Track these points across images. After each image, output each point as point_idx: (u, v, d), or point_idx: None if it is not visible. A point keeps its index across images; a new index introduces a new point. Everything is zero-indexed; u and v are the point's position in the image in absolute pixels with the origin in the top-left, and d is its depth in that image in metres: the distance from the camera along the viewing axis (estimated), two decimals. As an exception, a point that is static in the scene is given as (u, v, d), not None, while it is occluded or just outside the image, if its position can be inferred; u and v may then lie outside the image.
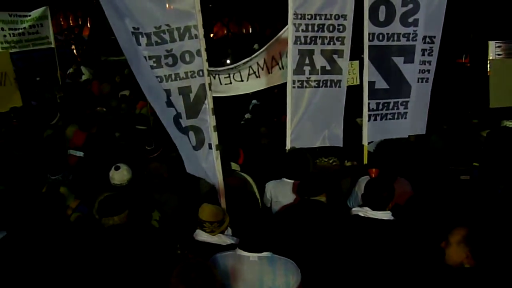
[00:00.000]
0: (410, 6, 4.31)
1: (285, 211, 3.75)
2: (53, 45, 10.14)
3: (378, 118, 4.55)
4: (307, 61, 4.54)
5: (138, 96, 8.72)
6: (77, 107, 7.89)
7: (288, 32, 4.50)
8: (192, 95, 3.51)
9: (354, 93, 4.73)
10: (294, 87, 4.57)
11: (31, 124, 6.72)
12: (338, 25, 4.46)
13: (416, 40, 4.40)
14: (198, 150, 3.63)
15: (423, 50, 4.78)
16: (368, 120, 4.51)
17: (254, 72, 6.09)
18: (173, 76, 3.44)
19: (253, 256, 2.77)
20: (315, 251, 3.22)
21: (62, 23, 24.46)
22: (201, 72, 3.49)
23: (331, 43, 4.51)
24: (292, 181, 4.01)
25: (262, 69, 6.01)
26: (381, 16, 4.35)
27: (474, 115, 6.70)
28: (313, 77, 4.57)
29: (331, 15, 4.45)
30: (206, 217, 3.16)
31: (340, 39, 4.49)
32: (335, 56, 4.53)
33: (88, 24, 24.81)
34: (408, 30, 4.37)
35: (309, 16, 4.45)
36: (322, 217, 3.41)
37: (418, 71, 4.66)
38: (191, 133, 3.57)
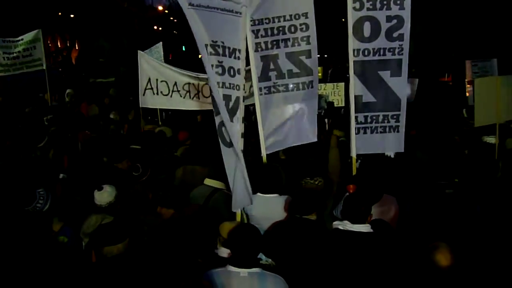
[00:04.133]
0: (394, 21, 4.34)
1: (276, 229, 3.78)
2: (44, 67, 10.25)
3: (368, 131, 4.53)
4: (272, 66, 4.48)
5: (125, 118, 8.86)
6: (65, 130, 7.88)
7: (247, 39, 4.34)
8: (231, 103, 3.89)
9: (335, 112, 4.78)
10: (261, 94, 4.54)
11: (17, 146, 6.69)
12: (300, 24, 4.37)
13: (402, 54, 4.41)
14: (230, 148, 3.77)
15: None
16: (357, 133, 4.52)
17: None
18: (220, 84, 3.82)
19: (244, 272, 2.82)
20: (303, 267, 3.27)
21: (50, 45, 24.54)
22: (238, 87, 3.93)
23: (296, 44, 4.43)
24: (266, 195, 4.05)
25: None
26: (366, 32, 4.37)
27: (456, 131, 6.86)
28: (280, 82, 4.52)
29: (290, 15, 4.36)
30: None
31: (305, 39, 4.41)
32: (302, 57, 4.46)
33: (77, 46, 24.93)
34: (393, 45, 4.39)
35: (267, 21, 4.36)
36: (313, 235, 3.46)
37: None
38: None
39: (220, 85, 3.81)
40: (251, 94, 6.22)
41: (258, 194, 4.10)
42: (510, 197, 4.05)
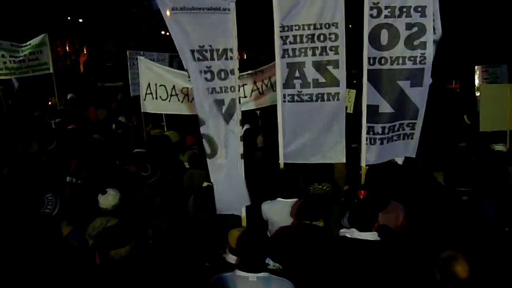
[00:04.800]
0: (415, 29, 4.17)
1: (284, 234, 3.79)
2: (51, 71, 10.33)
3: (385, 141, 4.40)
4: (297, 74, 4.38)
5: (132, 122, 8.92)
6: (73, 134, 7.94)
7: (275, 45, 4.37)
8: (224, 107, 3.84)
9: (351, 118, 4.72)
10: (284, 101, 4.46)
11: (28, 149, 6.75)
12: (330, 34, 4.26)
13: (424, 63, 4.19)
14: (226, 158, 3.84)
15: None
16: (373, 144, 4.39)
17: (258, 89, 6.13)
18: (210, 90, 3.78)
19: (252, 276, 2.83)
20: (311, 273, 3.27)
21: (58, 49, 24.77)
22: (232, 88, 3.87)
23: (324, 53, 4.30)
24: (287, 200, 4.05)
25: (266, 86, 6.04)
26: (383, 40, 4.21)
27: (462, 138, 6.82)
28: (305, 91, 4.41)
29: (321, 24, 4.26)
30: None
31: (333, 48, 4.29)
32: (329, 67, 4.33)
33: (85, 51, 25.13)
34: (414, 53, 4.20)
35: (297, 27, 4.28)
36: (320, 242, 3.47)
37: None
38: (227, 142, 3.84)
39: (210, 91, 3.76)
40: (253, 99, 6.25)
41: (279, 199, 4.10)
42: None
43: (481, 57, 12.37)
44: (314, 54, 4.34)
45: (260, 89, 6.16)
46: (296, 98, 4.45)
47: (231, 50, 3.83)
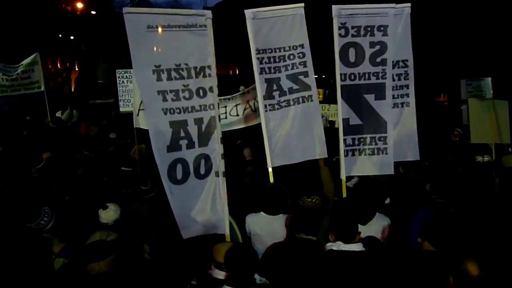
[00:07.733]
0: (377, 47, 4.58)
1: (277, 249, 3.79)
2: (43, 89, 10.46)
3: (356, 153, 4.69)
4: (275, 87, 4.87)
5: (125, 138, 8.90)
6: (64, 150, 7.91)
7: (253, 64, 4.81)
8: (203, 126, 3.90)
9: (334, 132, 4.87)
10: (266, 111, 4.85)
11: (14, 167, 6.71)
12: (298, 53, 4.85)
13: (385, 78, 4.61)
14: (205, 178, 3.87)
15: (399, 75, 5.03)
16: (346, 155, 4.66)
17: (250, 107, 6.26)
18: (189, 109, 3.85)
19: (240, 292, 2.84)
20: (300, 287, 3.28)
21: (50, 67, 24.80)
22: (212, 106, 3.92)
23: (295, 67, 4.87)
24: (270, 215, 4.11)
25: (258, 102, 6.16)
26: (352, 58, 4.61)
27: (450, 151, 6.92)
28: (283, 98, 4.87)
29: (289, 46, 4.83)
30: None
31: (302, 63, 4.87)
32: (300, 77, 4.88)
33: (76, 68, 25.16)
34: (377, 69, 4.61)
35: (270, 50, 4.82)
36: (312, 255, 3.46)
37: (395, 97, 4.94)
38: (202, 161, 3.88)
39: (189, 109, 3.83)
40: (246, 117, 6.30)
41: (262, 213, 4.16)
42: (508, 212, 4.08)
43: (467, 70, 12.60)
44: (287, 70, 4.89)
45: (253, 107, 6.26)
46: (276, 106, 4.90)
47: (209, 67, 3.88)
